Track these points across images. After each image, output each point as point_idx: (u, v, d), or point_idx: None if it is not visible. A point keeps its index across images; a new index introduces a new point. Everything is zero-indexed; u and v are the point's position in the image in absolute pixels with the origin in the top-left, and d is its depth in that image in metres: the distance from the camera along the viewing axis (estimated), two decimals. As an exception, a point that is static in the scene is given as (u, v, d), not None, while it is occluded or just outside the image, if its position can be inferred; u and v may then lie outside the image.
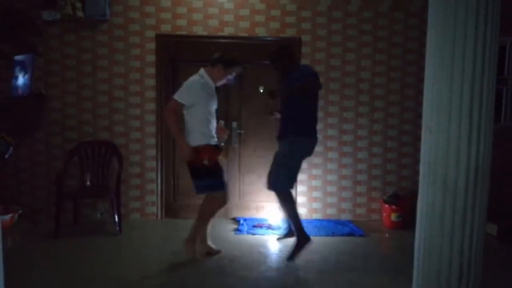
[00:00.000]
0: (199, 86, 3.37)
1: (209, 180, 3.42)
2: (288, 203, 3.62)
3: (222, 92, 4.16)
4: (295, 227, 3.63)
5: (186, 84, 3.41)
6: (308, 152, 3.70)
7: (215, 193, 3.47)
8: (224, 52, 3.52)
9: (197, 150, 3.37)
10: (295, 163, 3.63)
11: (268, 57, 3.77)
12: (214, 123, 3.52)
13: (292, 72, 3.60)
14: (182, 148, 3.39)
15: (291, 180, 3.67)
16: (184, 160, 3.46)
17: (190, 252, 3.54)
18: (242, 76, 3.64)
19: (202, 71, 3.49)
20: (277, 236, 4.15)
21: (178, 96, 3.33)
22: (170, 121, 3.36)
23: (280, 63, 3.69)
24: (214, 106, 3.52)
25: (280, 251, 3.86)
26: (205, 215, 3.52)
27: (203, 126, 3.41)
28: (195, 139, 3.40)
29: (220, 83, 3.55)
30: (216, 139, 3.51)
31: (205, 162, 3.36)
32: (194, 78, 3.44)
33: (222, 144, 3.63)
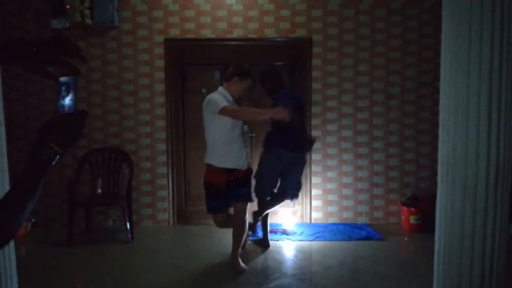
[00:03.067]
0: (218, 95, 3.37)
1: (206, 201, 3.45)
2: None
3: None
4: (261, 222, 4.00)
5: (209, 99, 3.33)
6: (281, 163, 3.83)
7: (209, 213, 3.52)
8: (237, 65, 3.56)
9: (206, 167, 3.43)
10: (265, 173, 3.85)
11: (261, 74, 3.93)
12: (236, 144, 3.37)
13: (278, 92, 3.84)
14: (273, 113, 3.31)
15: (264, 188, 3.88)
16: (285, 118, 3.23)
17: (240, 270, 3.42)
18: (255, 85, 3.66)
19: (220, 88, 3.47)
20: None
21: (222, 104, 3.23)
22: (243, 112, 3.36)
23: (271, 85, 3.91)
24: (237, 125, 3.38)
25: (296, 256, 3.76)
26: (235, 234, 3.47)
27: (216, 144, 3.34)
28: (208, 156, 3.41)
29: (239, 95, 3.50)
30: (233, 161, 3.35)
31: (203, 181, 3.43)
32: (214, 93, 3.41)
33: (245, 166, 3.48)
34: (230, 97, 3.42)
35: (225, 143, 3.32)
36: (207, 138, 3.40)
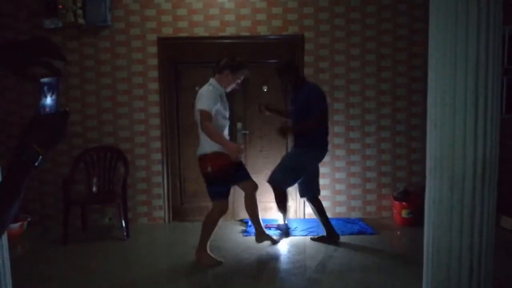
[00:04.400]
0: (213, 93, 3.41)
1: (211, 187, 3.47)
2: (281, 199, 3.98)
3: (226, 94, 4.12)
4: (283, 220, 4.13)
5: (201, 93, 3.44)
6: (317, 161, 3.96)
7: (215, 201, 3.48)
8: (229, 58, 3.58)
9: (203, 158, 3.44)
10: (300, 170, 3.83)
11: (276, 69, 3.91)
12: (227, 130, 3.59)
13: (302, 87, 3.83)
14: (230, 147, 3.36)
15: (290, 181, 3.89)
16: (236, 159, 3.45)
17: (204, 261, 3.48)
18: (248, 79, 3.72)
19: (212, 80, 3.54)
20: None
21: (205, 106, 3.33)
22: (211, 130, 3.32)
23: (287, 77, 3.87)
24: (226, 113, 3.57)
25: (289, 251, 3.81)
26: (208, 223, 3.50)
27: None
28: (204, 147, 3.44)
29: (230, 88, 3.60)
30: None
31: (209, 169, 3.41)
32: (205, 87, 3.48)
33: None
34: (222, 89, 3.51)
35: (220, 130, 3.44)
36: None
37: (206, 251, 3.50)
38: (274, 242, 3.92)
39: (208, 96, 3.37)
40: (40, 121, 0.94)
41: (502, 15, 1.90)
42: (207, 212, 3.54)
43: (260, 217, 3.85)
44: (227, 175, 3.46)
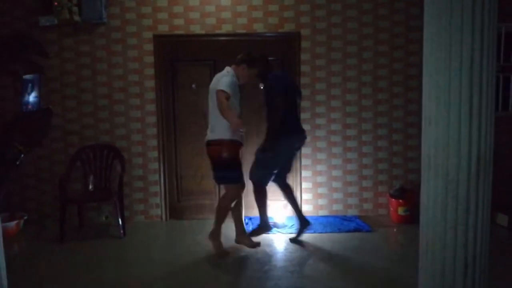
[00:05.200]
0: (232, 81, 3.53)
1: (225, 172, 3.57)
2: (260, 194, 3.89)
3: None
4: (260, 216, 3.96)
5: (221, 76, 3.54)
6: (291, 148, 3.88)
7: (229, 185, 3.62)
8: (248, 52, 3.71)
9: (219, 143, 3.53)
10: (274, 161, 3.77)
11: (247, 57, 3.78)
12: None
13: (270, 76, 3.83)
14: (235, 122, 3.41)
15: (269, 175, 3.83)
16: (237, 127, 3.48)
17: (215, 246, 3.66)
18: (260, 75, 3.82)
19: (228, 68, 3.66)
20: (289, 237, 4.08)
21: (225, 88, 3.42)
22: (224, 105, 3.39)
23: (257, 69, 3.80)
24: (237, 105, 3.66)
25: (286, 249, 3.81)
26: (222, 209, 3.67)
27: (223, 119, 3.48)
28: (220, 132, 3.52)
29: (244, 81, 3.72)
30: (240, 133, 3.61)
31: (225, 155, 3.50)
32: (223, 73, 3.60)
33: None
34: (236, 79, 3.62)
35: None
36: (216, 114, 3.48)
37: (217, 237, 3.67)
38: (253, 246, 3.73)
39: (229, 81, 3.48)
40: (22, 119, 0.92)
41: (497, 11, 1.89)
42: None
43: (243, 217, 3.84)
44: (240, 162, 3.63)
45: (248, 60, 3.64)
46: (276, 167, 3.81)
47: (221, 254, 3.64)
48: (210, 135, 3.60)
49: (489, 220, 2.04)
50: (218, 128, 3.52)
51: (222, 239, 3.72)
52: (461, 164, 1.94)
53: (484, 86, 1.89)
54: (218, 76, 3.61)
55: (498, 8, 1.90)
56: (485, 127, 1.92)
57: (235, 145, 3.57)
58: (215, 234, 3.69)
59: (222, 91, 3.41)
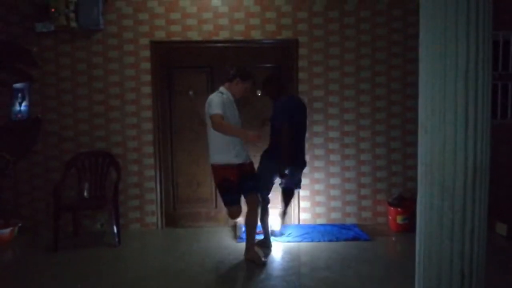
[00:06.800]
0: (222, 99, 3.50)
1: (222, 195, 3.64)
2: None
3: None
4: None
5: (211, 99, 3.51)
6: (275, 171, 3.83)
7: (226, 207, 3.66)
8: (239, 66, 3.75)
9: (212, 167, 3.62)
10: (271, 175, 3.85)
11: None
12: (237, 138, 3.57)
13: (278, 100, 3.86)
14: (247, 135, 3.42)
15: (269, 187, 3.92)
16: (255, 139, 3.46)
17: (250, 257, 3.66)
18: (254, 87, 3.95)
19: (221, 88, 3.66)
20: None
21: (216, 111, 3.39)
22: (225, 127, 3.41)
23: (269, 89, 3.96)
24: (237, 121, 3.64)
25: (282, 258, 3.76)
26: (248, 227, 3.70)
27: (223, 143, 3.52)
28: (212, 157, 3.60)
29: (240, 96, 3.73)
30: (238, 156, 3.58)
31: (215, 179, 3.62)
32: (215, 94, 3.57)
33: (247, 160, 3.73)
34: (231, 97, 3.64)
35: (228, 139, 3.50)
36: (211, 137, 3.56)
37: (254, 254, 3.66)
38: (259, 263, 3.59)
39: (218, 101, 3.45)
40: (11, 128, 0.89)
41: (493, 19, 1.87)
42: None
43: (255, 234, 3.76)
44: (233, 186, 3.55)
45: (241, 74, 3.63)
46: (272, 181, 3.90)
47: (258, 264, 3.59)
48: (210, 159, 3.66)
49: (486, 229, 2.01)
50: (211, 152, 3.60)
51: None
52: (457, 173, 1.91)
53: (480, 94, 1.87)
54: (208, 99, 3.55)
55: (494, 16, 1.88)
56: (481, 135, 1.90)
57: (224, 169, 3.53)
58: (252, 252, 3.67)
59: (214, 115, 3.38)
